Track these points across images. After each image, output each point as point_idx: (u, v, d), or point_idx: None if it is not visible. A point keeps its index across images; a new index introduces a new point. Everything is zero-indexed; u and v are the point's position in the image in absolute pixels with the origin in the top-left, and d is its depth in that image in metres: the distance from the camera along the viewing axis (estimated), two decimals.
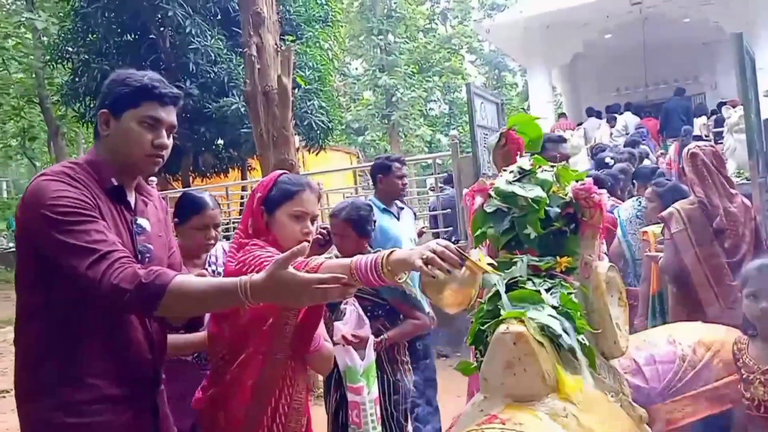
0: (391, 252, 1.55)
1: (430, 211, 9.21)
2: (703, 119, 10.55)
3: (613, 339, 1.87)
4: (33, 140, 20.45)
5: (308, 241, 1.88)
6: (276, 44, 6.14)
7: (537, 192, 1.93)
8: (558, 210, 1.95)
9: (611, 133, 11.02)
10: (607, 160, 6.41)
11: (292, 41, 10.45)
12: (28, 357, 1.63)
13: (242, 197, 11.36)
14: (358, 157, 20.98)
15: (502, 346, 1.59)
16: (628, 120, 11.35)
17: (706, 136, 9.81)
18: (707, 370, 2.45)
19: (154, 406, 1.77)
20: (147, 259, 1.71)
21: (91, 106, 11.18)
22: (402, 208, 4.41)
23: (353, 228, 2.90)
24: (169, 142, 1.75)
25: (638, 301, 3.86)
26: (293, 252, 1.42)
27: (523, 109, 19.84)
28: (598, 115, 12.08)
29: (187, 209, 2.56)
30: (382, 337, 2.86)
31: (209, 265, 2.67)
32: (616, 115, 11.58)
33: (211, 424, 1.86)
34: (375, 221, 3.13)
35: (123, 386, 1.64)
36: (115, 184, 1.69)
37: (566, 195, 1.97)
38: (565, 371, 1.70)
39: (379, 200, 4.17)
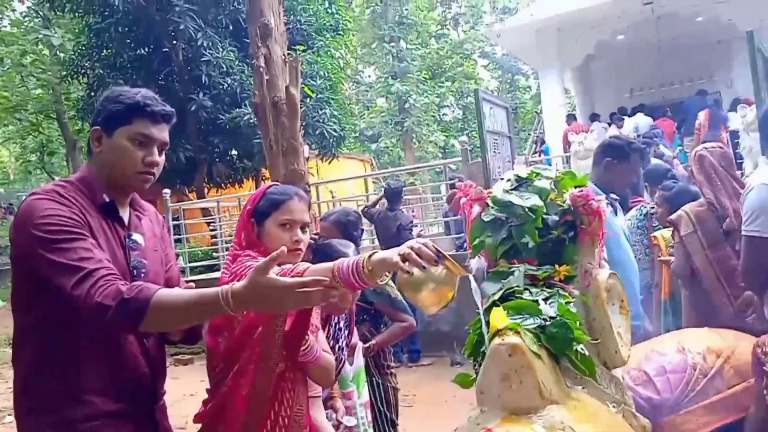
0: (373, 253, 1.55)
1: (443, 217, 9.18)
2: (742, 112, 9.94)
3: (614, 348, 1.85)
4: (52, 155, 20.75)
5: (300, 250, 1.89)
6: (284, 55, 6.18)
7: (534, 200, 1.92)
8: (556, 218, 1.93)
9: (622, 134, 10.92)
10: None
11: (303, 51, 10.50)
12: (26, 375, 1.64)
13: None
14: (372, 165, 21.01)
15: (497, 358, 1.57)
16: (639, 122, 11.23)
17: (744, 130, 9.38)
18: (719, 377, 2.40)
19: (154, 420, 1.77)
20: (142, 275, 1.72)
21: None
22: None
23: (340, 232, 2.96)
24: (161, 159, 1.75)
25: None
26: (271, 257, 1.42)
27: (536, 112, 19.72)
28: (599, 120, 12.05)
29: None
30: (370, 343, 2.92)
31: None
32: (625, 117, 11.47)
33: None
34: (362, 229, 3.22)
35: (121, 402, 1.65)
36: (107, 200, 1.70)
37: (564, 202, 1.95)
38: (564, 382, 1.69)
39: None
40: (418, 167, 17.66)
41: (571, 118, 13.07)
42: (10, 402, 1.72)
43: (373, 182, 13.73)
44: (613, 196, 3.04)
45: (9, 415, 5.79)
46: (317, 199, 9.54)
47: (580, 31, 12.58)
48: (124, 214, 1.77)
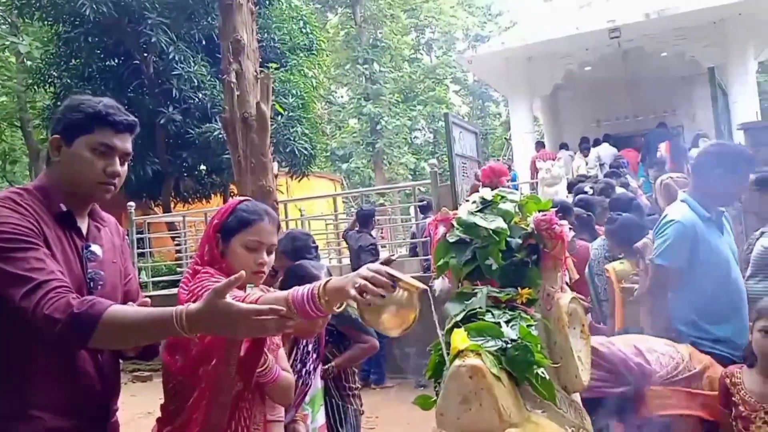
0: (328, 281, 1.51)
1: (411, 238, 9.20)
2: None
3: (575, 372, 1.85)
4: (14, 163, 20.29)
5: (263, 273, 1.85)
6: (256, 71, 6.17)
7: (498, 223, 1.92)
8: (519, 241, 1.94)
9: (586, 163, 11.16)
10: (586, 189, 6.44)
11: (276, 69, 10.50)
12: None
13: None
14: (342, 185, 21.02)
15: (457, 380, 1.56)
16: (602, 152, 11.48)
17: None
18: (699, 378, 2.47)
19: None
20: (99, 286, 1.67)
21: None
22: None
23: (292, 259, 2.90)
24: (123, 169, 1.71)
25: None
26: (229, 282, 1.39)
27: (505, 138, 20.02)
28: (567, 148, 12.29)
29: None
30: (330, 365, 2.86)
31: None
32: (590, 146, 11.74)
33: None
34: (316, 246, 3.18)
35: (72, 418, 1.59)
36: (64, 209, 1.65)
37: (528, 226, 1.97)
38: (524, 405, 1.68)
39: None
40: (388, 188, 17.72)
41: (539, 145, 13.29)
42: None
43: (343, 202, 13.73)
44: (721, 209, 2.92)
45: None
46: (285, 217, 9.48)
47: (550, 61, 12.86)
48: (83, 224, 1.73)
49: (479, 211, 1.99)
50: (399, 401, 6.09)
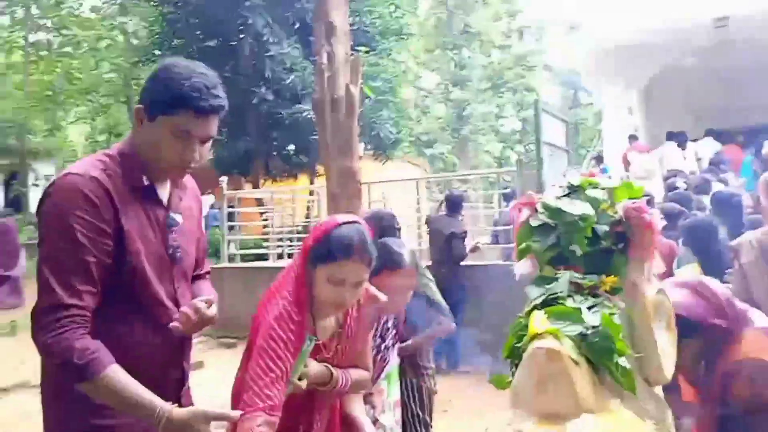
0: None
1: (493, 226, 9.11)
2: None
3: (657, 364, 1.80)
4: (119, 137, 21.58)
5: (344, 306, 1.84)
6: (346, 54, 6.27)
7: (584, 209, 1.89)
8: (606, 228, 1.90)
9: (684, 158, 10.59)
10: (678, 184, 6.17)
11: (366, 53, 10.62)
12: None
13: (309, 201, 11.60)
14: (425, 170, 21.00)
15: (534, 362, 1.56)
16: (702, 146, 10.86)
17: None
18: None
19: (180, 406, 1.76)
20: (177, 256, 1.69)
21: None
22: None
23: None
24: (204, 149, 1.66)
25: None
26: (228, 416, 1.52)
27: (598, 130, 19.33)
28: (679, 140, 11.64)
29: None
30: (406, 343, 2.89)
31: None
32: (687, 140, 11.12)
33: None
34: (399, 228, 3.20)
35: (150, 388, 1.59)
36: (146, 183, 1.64)
37: (616, 213, 1.92)
38: (602, 393, 1.66)
39: None
40: (471, 173, 17.55)
41: (632, 138, 12.77)
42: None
43: (426, 187, 13.71)
44: None
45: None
46: (368, 199, 9.60)
47: (646, 51, 12.26)
48: (164, 192, 1.70)
49: (565, 196, 1.97)
50: (472, 387, 6.08)
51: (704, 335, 2.06)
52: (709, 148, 10.91)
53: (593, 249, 1.89)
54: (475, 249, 6.68)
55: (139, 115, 1.62)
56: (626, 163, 11.40)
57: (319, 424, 1.93)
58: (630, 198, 1.95)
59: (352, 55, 6.43)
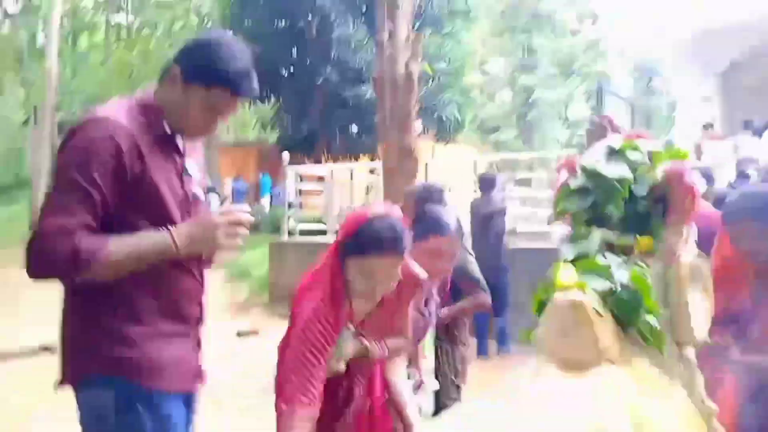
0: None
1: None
2: None
3: (688, 326, 1.80)
4: None
5: (375, 300, 1.87)
6: (409, 32, 6.30)
7: (623, 171, 1.88)
8: (645, 191, 1.89)
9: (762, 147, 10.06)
10: (750, 171, 5.92)
11: (431, 34, 10.61)
12: (75, 293, 1.66)
13: (369, 182, 11.73)
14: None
15: (558, 312, 1.60)
16: None
17: None
18: None
19: (198, 340, 1.82)
20: (196, 198, 1.77)
21: None
22: None
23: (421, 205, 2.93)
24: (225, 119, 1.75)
25: None
26: (236, 219, 1.65)
27: (671, 117, 18.62)
28: (756, 130, 11.07)
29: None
30: (441, 311, 2.92)
31: None
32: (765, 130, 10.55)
33: None
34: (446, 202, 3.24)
35: (174, 323, 1.69)
36: (169, 132, 1.68)
37: (657, 177, 1.91)
38: (629, 349, 1.68)
39: None
40: (531, 156, 17.23)
41: (708, 127, 12.23)
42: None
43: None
44: None
45: None
46: (425, 180, 9.64)
47: (725, 35, 11.72)
48: (179, 141, 1.75)
49: (605, 158, 1.96)
50: (501, 369, 5.98)
51: None
52: None
53: (630, 211, 1.89)
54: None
55: (173, 74, 1.64)
56: (699, 153, 10.96)
57: (359, 388, 2.00)
58: (672, 159, 1.94)
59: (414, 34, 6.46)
